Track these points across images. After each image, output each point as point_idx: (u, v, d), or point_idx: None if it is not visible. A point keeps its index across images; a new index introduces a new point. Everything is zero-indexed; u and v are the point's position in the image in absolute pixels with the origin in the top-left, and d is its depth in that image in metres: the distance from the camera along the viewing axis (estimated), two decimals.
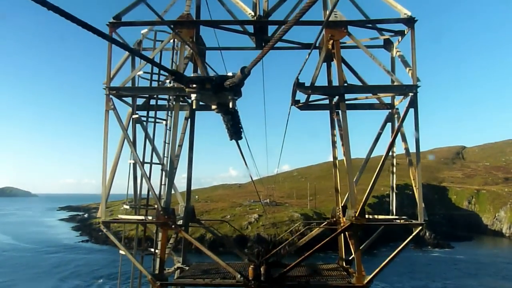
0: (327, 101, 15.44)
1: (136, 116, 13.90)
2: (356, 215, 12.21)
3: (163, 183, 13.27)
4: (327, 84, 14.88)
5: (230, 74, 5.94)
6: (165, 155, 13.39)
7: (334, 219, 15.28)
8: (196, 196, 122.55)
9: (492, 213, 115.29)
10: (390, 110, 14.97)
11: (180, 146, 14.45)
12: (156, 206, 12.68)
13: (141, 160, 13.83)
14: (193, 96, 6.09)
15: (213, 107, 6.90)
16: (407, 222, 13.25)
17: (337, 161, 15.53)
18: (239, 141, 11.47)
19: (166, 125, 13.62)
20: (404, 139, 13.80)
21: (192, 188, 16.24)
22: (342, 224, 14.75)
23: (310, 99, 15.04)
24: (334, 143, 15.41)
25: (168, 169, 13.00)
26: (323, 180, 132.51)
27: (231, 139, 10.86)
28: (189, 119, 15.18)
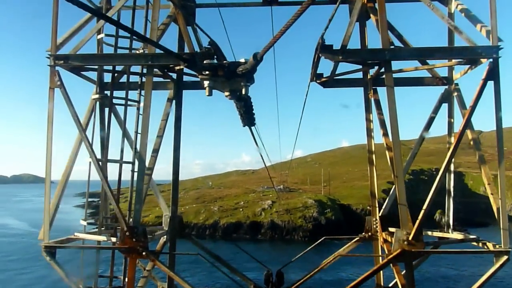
0: (359, 75, 11.11)
1: (97, 96, 9.72)
2: (410, 238, 8.01)
3: (133, 189, 9.14)
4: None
5: (242, 60, 5.80)
6: (138, 151, 9.24)
7: (370, 233, 11.04)
8: (210, 182, 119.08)
9: (510, 199, 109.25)
10: (446, 87, 10.60)
11: (160, 137, 10.30)
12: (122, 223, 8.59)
13: (104, 157, 9.76)
14: (206, 83, 5.98)
15: (226, 93, 6.52)
16: (485, 250, 8.93)
17: (373, 156, 11.16)
18: (252, 127, 10.24)
19: (138, 108, 9.48)
20: (467, 124, 9.41)
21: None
22: (381, 242, 10.56)
23: (336, 72, 10.66)
24: (370, 131, 11.04)
25: (137, 170, 8.84)
26: (337, 166, 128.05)
27: (244, 125, 9.82)
28: (174, 101, 10.95)
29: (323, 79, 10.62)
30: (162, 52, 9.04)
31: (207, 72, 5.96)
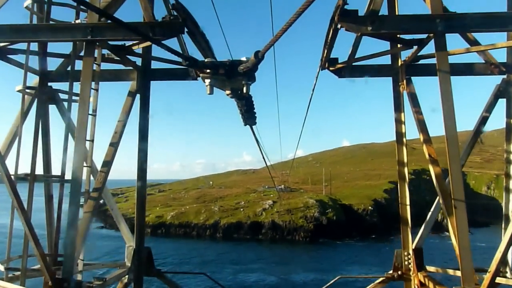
0: (387, 59, 8.11)
1: (20, 88, 6.77)
2: None
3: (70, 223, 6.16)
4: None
5: (243, 58, 5.49)
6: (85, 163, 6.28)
7: (399, 272, 8.05)
8: (211, 182, 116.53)
9: None
10: (504, 76, 7.62)
11: (115, 144, 7.33)
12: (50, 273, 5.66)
13: (31, 172, 6.84)
14: (207, 81, 5.71)
15: (227, 92, 6.07)
16: None
17: (406, 170, 8.12)
18: (253, 126, 9.70)
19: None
20: None
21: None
22: (416, 285, 7.60)
23: (355, 56, 7.67)
24: (401, 136, 8.02)
25: (73, 192, 5.87)
26: (338, 166, 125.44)
27: (245, 124, 9.22)
28: (137, 95, 7.95)
29: (338, 66, 7.64)
30: (108, 23, 6.21)
31: (208, 70, 5.70)
